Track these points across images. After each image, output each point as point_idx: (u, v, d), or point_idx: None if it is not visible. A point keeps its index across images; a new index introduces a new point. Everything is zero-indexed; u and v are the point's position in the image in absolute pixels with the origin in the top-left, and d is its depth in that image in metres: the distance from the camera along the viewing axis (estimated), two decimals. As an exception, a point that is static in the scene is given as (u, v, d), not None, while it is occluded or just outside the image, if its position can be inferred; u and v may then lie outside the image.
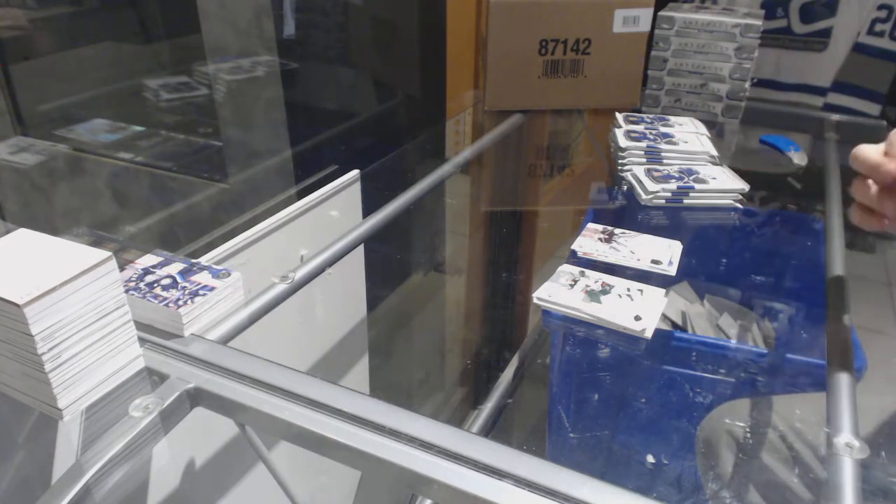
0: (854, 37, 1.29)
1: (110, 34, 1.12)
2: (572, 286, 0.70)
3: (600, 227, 0.85)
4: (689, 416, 0.79)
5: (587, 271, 0.73)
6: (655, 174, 0.90)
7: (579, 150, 1.28)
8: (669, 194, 0.87)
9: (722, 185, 0.88)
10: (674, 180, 0.88)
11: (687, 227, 0.88)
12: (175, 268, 0.58)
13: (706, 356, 0.75)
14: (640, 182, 0.89)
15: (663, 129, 1.02)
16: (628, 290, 0.70)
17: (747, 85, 1.10)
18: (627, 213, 0.91)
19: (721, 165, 0.94)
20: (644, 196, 0.87)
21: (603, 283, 0.71)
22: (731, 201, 0.88)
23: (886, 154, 0.52)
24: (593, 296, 0.68)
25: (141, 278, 0.57)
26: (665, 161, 0.95)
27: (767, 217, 0.99)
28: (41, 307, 0.41)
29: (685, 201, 0.87)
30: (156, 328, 0.54)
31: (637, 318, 0.65)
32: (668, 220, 0.87)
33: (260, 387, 0.48)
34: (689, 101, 1.14)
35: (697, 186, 0.88)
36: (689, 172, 0.91)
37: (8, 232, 0.47)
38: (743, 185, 0.88)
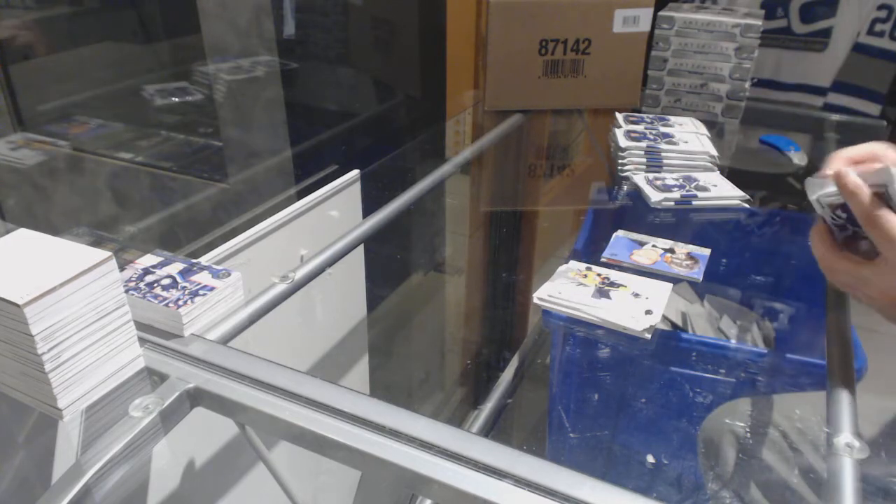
0: (854, 37, 1.29)
1: (110, 34, 1.12)
2: (573, 286, 0.70)
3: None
4: (690, 416, 0.79)
5: (588, 271, 0.73)
6: (657, 182, 0.89)
7: (579, 150, 1.27)
8: (672, 203, 0.87)
9: (722, 192, 0.88)
10: (676, 189, 0.88)
11: (687, 228, 0.88)
12: (175, 268, 0.58)
13: (706, 356, 0.75)
14: (643, 191, 0.89)
15: (663, 129, 1.02)
16: (630, 289, 0.70)
17: (747, 85, 1.10)
18: (627, 214, 0.91)
19: (716, 171, 0.94)
20: (653, 199, 0.87)
21: (604, 282, 0.71)
22: (739, 201, 0.88)
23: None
24: (594, 295, 0.68)
25: (141, 278, 0.57)
26: (665, 162, 0.94)
27: (767, 217, 0.99)
28: (41, 307, 0.41)
29: (694, 203, 0.87)
30: (156, 328, 0.54)
31: (638, 318, 0.65)
32: (669, 220, 0.87)
33: (260, 387, 0.48)
34: (689, 101, 1.14)
35: (700, 195, 0.88)
36: (690, 180, 0.90)
37: (8, 232, 0.47)
38: (742, 195, 0.88)
